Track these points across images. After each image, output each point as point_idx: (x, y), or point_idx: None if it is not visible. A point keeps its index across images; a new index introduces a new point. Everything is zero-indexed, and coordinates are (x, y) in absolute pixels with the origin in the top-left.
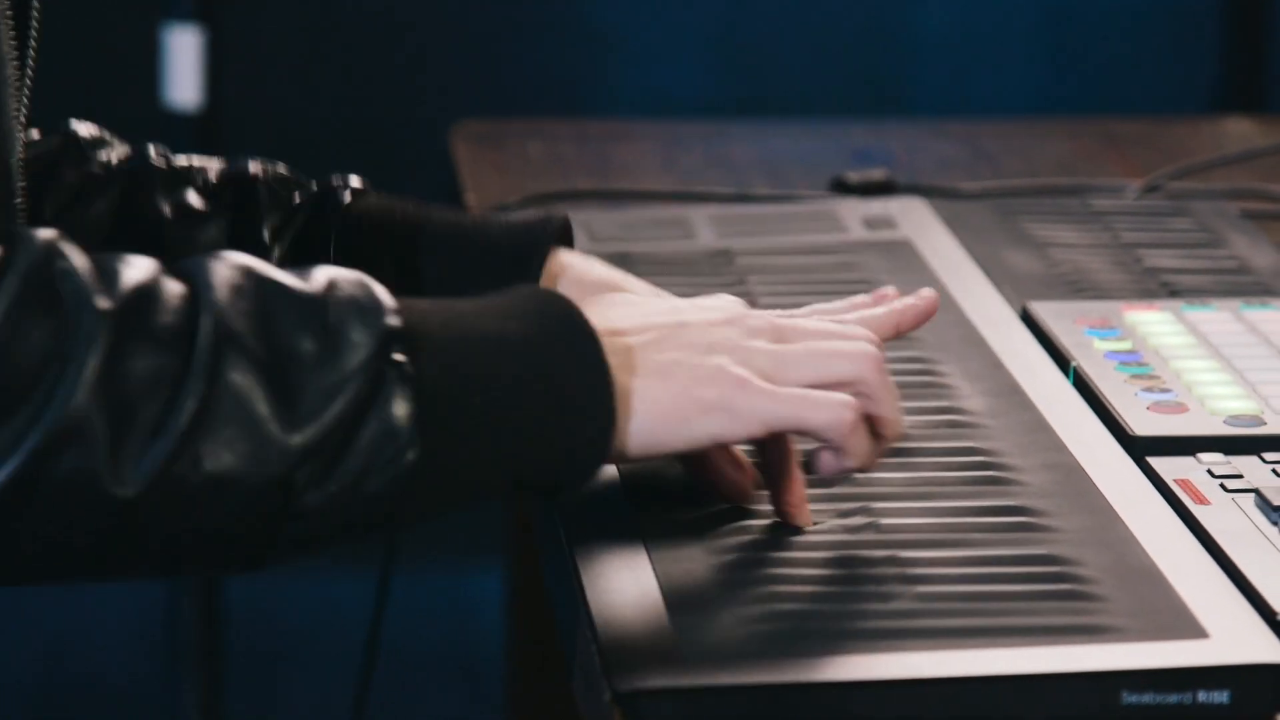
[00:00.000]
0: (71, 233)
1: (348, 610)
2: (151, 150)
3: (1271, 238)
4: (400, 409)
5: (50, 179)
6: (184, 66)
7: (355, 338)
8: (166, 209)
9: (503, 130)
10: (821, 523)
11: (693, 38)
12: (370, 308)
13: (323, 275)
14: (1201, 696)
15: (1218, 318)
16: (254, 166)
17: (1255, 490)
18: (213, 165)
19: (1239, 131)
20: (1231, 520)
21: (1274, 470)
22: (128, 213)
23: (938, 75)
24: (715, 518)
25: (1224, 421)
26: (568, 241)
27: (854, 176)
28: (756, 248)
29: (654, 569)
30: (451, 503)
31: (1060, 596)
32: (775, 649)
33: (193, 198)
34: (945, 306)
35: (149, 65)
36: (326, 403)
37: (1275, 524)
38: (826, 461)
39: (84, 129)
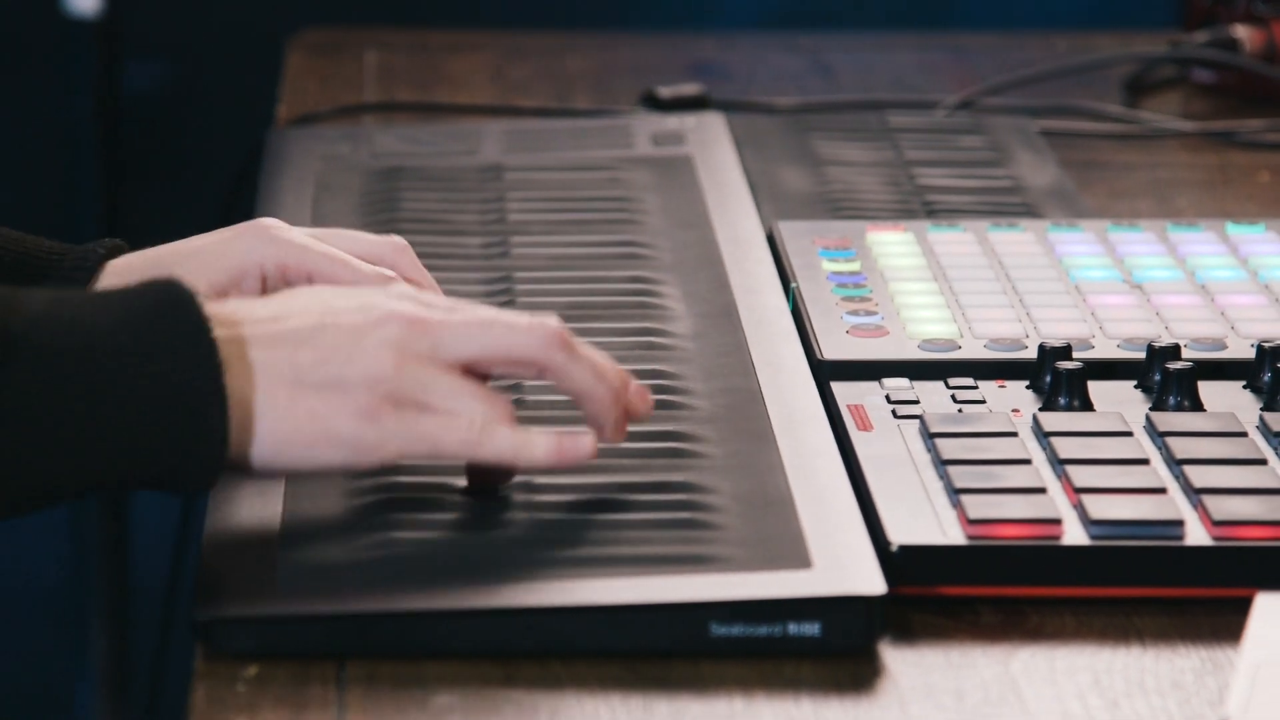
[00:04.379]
0: None
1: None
2: None
3: (1065, 155)
4: None
5: None
6: None
7: None
8: None
9: (342, 40)
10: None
11: None
12: None
13: None
14: (792, 629)
15: (961, 239)
16: None
17: (920, 416)
18: None
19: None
20: (887, 447)
21: (953, 396)
22: None
23: None
24: None
25: (918, 345)
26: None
27: (665, 91)
28: (530, 163)
29: (284, 501)
30: (45, 501)
31: (678, 525)
32: (374, 581)
33: None
34: (696, 225)
35: None
36: None
37: (930, 450)
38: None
39: None
